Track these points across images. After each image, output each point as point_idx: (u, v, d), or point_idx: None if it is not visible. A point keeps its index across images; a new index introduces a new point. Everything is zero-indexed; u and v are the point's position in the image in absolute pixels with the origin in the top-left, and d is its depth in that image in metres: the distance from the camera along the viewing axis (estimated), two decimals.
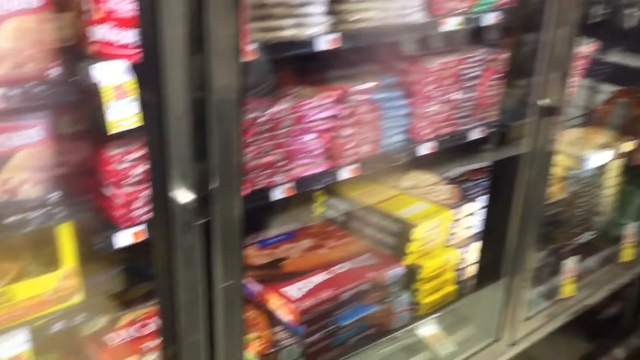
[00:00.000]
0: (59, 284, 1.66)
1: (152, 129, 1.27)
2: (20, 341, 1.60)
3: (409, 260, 2.27)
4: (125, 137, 1.68)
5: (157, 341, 1.86)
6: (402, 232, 2.28)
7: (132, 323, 1.96)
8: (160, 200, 1.28)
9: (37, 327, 1.65)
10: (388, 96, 2.22)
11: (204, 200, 1.30)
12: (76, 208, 1.63)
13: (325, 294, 2.01)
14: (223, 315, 1.41)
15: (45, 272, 1.66)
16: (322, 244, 2.34)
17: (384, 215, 2.34)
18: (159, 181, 1.27)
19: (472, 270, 2.53)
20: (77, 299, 1.71)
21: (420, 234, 2.27)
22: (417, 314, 2.29)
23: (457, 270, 2.44)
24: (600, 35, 2.86)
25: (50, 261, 1.69)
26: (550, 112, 2.25)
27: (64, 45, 1.48)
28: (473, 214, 2.51)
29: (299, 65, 2.21)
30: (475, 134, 2.40)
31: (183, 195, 1.27)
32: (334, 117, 2.07)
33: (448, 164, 2.66)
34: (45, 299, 1.65)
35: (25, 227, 1.54)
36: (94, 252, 1.77)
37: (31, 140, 1.51)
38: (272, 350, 1.88)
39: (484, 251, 2.52)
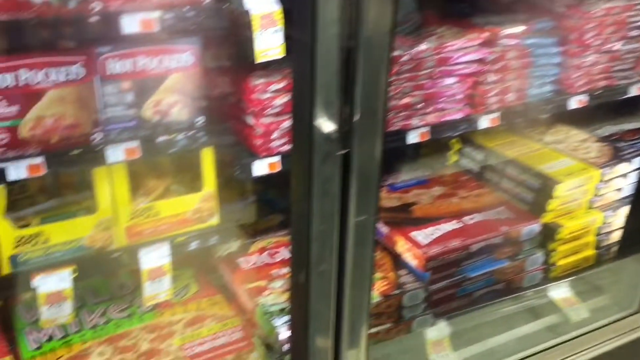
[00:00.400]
0: (199, 205, 1.75)
1: (301, 58, 1.26)
2: (163, 254, 1.72)
3: (547, 218, 2.14)
4: (268, 67, 1.71)
5: (286, 269, 1.93)
6: (543, 188, 2.15)
7: (262, 250, 2.04)
8: (303, 128, 1.28)
9: (177, 244, 1.75)
10: (540, 42, 2.08)
11: (345, 132, 1.28)
12: (219, 134, 1.69)
13: (453, 243, 1.96)
14: (353, 249, 1.41)
15: (187, 193, 1.75)
16: (454, 193, 2.27)
17: (524, 168, 2.22)
18: (303, 110, 1.27)
19: (616, 237, 2.35)
20: (213, 221, 1.80)
21: (563, 191, 2.12)
22: (549, 275, 2.18)
23: (599, 234, 2.27)
24: None
25: (191, 183, 1.78)
26: None
27: None
28: (625, 176, 2.31)
29: (445, 4, 2.11)
30: (635, 90, 2.20)
31: (326, 125, 1.26)
32: (479, 61, 1.97)
33: (601, 120, 2.47)
34: (186, 218, 1.75)
35: (172, 148, 1.62)
36: (231, 180, 1.85)
37: (183, 64, 1.57)
38: (396, 292, 1.88)
39: (632, 217, 2.32)
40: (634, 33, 2.14)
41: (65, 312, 1.65)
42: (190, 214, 1.75)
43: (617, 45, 2.13)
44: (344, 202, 1.36)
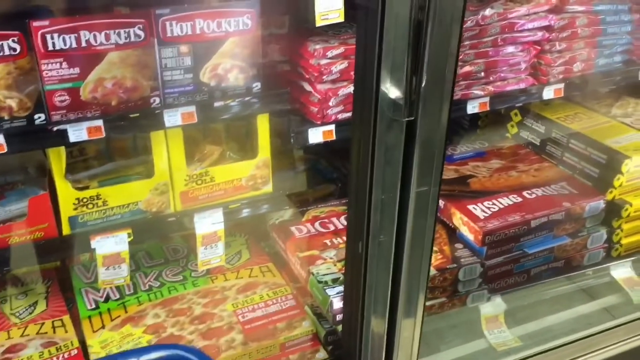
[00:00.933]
0: (254, 172, 1.73)
1: (368, 20, 1.20)
2: (217, 220, 1.71)
3: (613, 194, 2.06)
4: (326, 33, 1.66)
5: (338, 239, 1.91)
6: (610, 163, 2.06)
7: (315, 219, 2.02)
8: (368, 94, 1.23)
9: (230, 210, 1.75)
10: (611, 9, 1.99)
11: (411, 99, 1.23)
12: (275, 100, 1.66)
13: (512, 218, 1.90)
14: (413, 220, 1.37)
15: (241, 160, 1.74)
16: (513, 166, 2.20)
17: (590, 142, 2.12)
18: (368, 74, 1.22)
19: None
20: (267, 189, 1.78)
21: (632, 167, 2.02)
22: (612, 254, 2.10)
23: None
24: None
25: (245, 151, 1.76)
26: None
27: None
28: None
29: None
30: None
31: (392, 91, 1.21)
32: (545, 28, 1.89)
33: None
34: (240, 185, 1.74)
35: (227, 113, 1.60)
36: (283, 148, 1.82)
37: (240, 28, 1.54)
38: (451, 266, 1.84)
39: None
40: None
41: (122, 274, 1.68)
42: (244, 181, 1.74)
43: None
44: (405, 172, 1.32)
